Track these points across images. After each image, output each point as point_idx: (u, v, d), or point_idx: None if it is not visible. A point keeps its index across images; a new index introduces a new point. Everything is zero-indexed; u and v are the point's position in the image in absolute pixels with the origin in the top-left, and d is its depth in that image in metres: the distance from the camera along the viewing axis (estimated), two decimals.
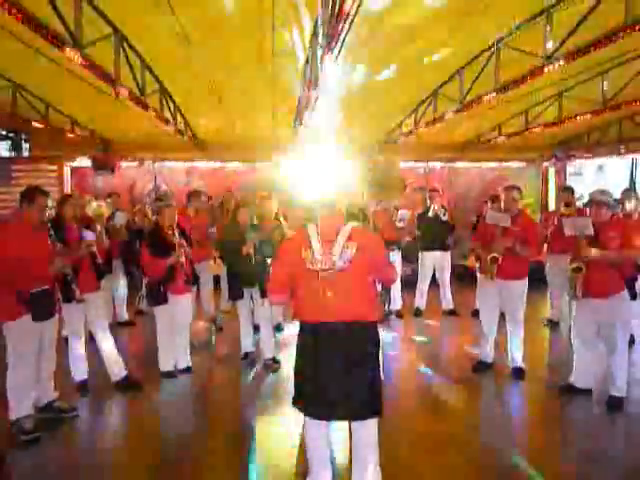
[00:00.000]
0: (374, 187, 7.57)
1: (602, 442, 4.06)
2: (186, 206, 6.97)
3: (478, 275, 5.57)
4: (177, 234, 5.25)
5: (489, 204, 7.17)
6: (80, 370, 4.95)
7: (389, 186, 7.82)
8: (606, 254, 4.35)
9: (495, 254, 5.00)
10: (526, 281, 5.18)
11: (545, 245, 6.99)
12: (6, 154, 8.98)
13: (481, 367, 5.42)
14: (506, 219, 5.05)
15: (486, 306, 5.42)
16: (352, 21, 3.92)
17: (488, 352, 5.42)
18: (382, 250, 3.21)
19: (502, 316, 5.39)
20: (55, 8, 3.94)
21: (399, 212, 7.75)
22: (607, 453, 3.88)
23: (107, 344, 5.01)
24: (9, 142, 8.81)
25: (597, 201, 4.54)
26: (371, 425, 3.10)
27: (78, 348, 4.92)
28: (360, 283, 3.07)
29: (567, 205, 6.61)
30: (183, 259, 5.18)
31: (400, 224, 7.67)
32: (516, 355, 5.26)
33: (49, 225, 4.41)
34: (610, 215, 4.54)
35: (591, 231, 4.35)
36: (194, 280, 5.59)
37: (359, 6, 3.83)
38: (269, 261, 5.42)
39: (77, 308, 4.71)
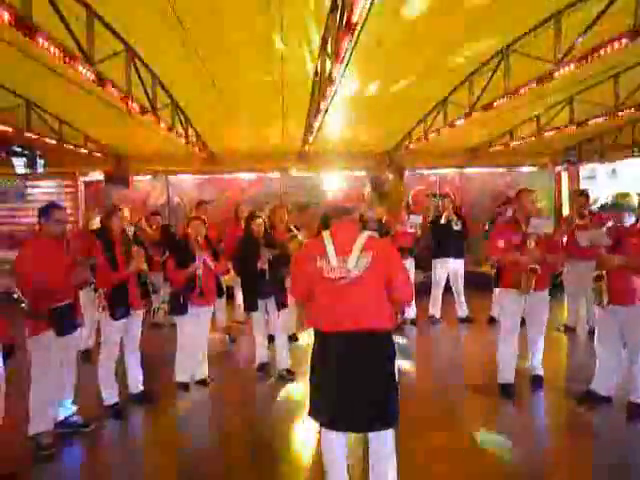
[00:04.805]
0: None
1: (624, 451, 3.98)
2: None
3: (499, 288, 5.31)
4: (203, 246, 5.31)
5: (509, 210, 6.72)
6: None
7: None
8: (630, 261, 4.23)
9: (534, 265, 4.65)
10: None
11: None
12: (22, 171, 9.09)
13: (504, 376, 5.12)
14: (549, 224, 4.79)
15: (511, 318, 5.02)
16: (360, 31, 3.94)
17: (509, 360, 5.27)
18: (398, 260, 3.18)
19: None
20: (67, 26, 4.00)
21: (410, 217, 7.72)
22: (629, 462, 3.80)
23: (137, 357, 5.09)
24: (24, 159, 8.91)
25: (618, 205, 4.45)
26: (388, 435, 3.07)
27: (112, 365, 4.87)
28: (375, 292, 3.04)
29: (581, 217, 6.55)
30: (200, 271, 5.19)
31: (411, 230, 7.65)
32: (537, 363, 5.17)
33: (99, 239, 4.74)
34: (634, 220, 4.40)
35: (608, 241, 4.26)
36: (219, 293, 5.62)
37: (366, 18, 3.86)
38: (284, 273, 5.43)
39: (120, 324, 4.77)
